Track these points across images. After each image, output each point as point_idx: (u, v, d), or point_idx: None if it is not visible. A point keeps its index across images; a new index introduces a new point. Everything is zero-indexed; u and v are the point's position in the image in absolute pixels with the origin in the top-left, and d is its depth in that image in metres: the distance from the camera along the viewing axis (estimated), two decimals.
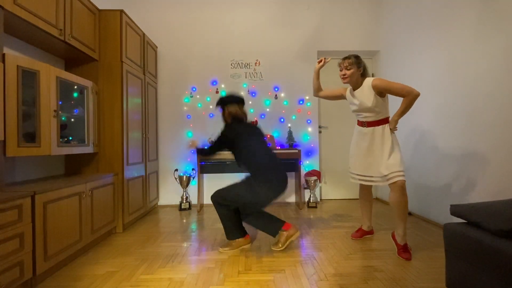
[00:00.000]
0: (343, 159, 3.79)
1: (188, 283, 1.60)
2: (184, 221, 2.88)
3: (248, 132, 2.10)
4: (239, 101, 2.19)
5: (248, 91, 3.59)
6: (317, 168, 3.61)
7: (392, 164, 1.91)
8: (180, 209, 3.32)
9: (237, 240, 2.07)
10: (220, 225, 2.66)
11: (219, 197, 2.04)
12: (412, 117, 2.97)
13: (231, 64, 3.62)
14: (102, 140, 2.48)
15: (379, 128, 1.99)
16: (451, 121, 2.42)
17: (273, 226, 2.04)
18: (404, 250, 1.91)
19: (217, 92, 3.57)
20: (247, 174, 2.04)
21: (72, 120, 2.22)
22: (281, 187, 1.99)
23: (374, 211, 3.11)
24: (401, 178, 1.87)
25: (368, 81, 1.97)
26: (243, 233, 2.10)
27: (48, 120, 1.84)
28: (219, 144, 2.11)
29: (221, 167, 3.30)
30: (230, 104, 2.16)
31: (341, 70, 2.04)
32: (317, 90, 2.31)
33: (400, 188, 1.87)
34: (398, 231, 1.96)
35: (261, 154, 2.04)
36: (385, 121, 2.00)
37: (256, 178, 1.97)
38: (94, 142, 2.38)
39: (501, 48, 1.96)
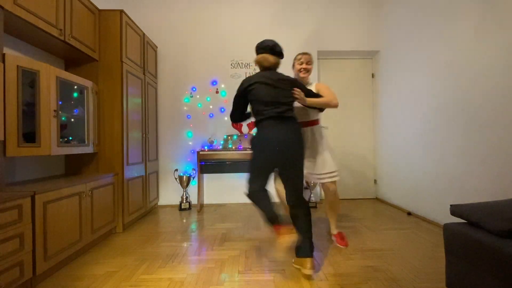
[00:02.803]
0: (343, 159, 3.79)
1: (188, 283, 1.60)
2: (184, 221, 2.88)
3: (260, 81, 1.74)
4: (269, 49, 1.80)
5: None
6: None
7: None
8: (180, 209, 3.32)
9: None
10: (220, 225, 2.67)
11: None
12: (412, 117, 2.98)
13: (231, 64, 3.62)
14: (102, 140, 2.48)
15: (308, 129, 2.14)
16: (451, 121, 2.42)
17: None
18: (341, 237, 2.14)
19: (217, 92, 3.58)
20: None
21: (72, 120, 2.22)
22: (269, 146, 1.66)
23: (374, 212, 3.12)
24: None
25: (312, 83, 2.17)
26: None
27: (48, 120, 1.84)
28: (234, 103, 1.86)
29: (221, 167, 3.30)
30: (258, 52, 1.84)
31: (301, 64, 2.12)
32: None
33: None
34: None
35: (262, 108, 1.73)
36: (315, 122, 2.16)
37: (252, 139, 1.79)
38: (94, 142, 2.38)
39: (502, 48, 1.96)
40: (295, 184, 1.74)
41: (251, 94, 1.75)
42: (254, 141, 1.75)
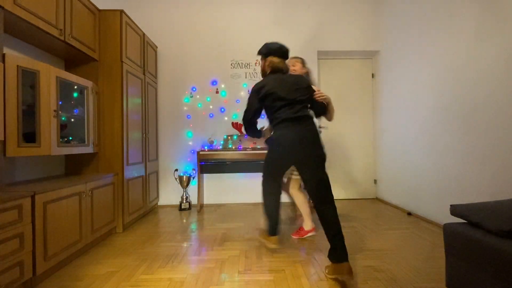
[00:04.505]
0: (343, 159, 3.80)
1: (188, 283, 1.60)
2: (184, 221, 2.88)
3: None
4: (280, 52, 1.90)
5: (248, 91, 3.58)
6: None
7: None
8: (180, 209, 3.31)
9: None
10: (220, 225, 2.67)
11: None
12: (412, 117, 2.98)
13: (231, 64, 3.61)
14: (102, 140, 2.48)
15: None
16: (451, 121, 2.42)
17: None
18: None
19: (217, 92, 3.57)
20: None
21: (72, 120, 2.21)
22: (284, 146, 1.73)
23: (374, 212, 3.12)
24: None
25: None
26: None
27: (48, 120, 1.84)
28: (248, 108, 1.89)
29: (221, 167, 3.29)
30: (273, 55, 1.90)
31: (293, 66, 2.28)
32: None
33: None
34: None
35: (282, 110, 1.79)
36: None
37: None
38: (94, 142, 2.38)
39: (501, 48, 1.96)
40: (316, 183, 1.71)
41: (268, 99, 1.80)
42: (270, 142, 1.84)
